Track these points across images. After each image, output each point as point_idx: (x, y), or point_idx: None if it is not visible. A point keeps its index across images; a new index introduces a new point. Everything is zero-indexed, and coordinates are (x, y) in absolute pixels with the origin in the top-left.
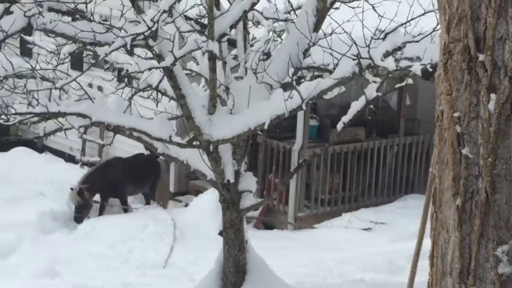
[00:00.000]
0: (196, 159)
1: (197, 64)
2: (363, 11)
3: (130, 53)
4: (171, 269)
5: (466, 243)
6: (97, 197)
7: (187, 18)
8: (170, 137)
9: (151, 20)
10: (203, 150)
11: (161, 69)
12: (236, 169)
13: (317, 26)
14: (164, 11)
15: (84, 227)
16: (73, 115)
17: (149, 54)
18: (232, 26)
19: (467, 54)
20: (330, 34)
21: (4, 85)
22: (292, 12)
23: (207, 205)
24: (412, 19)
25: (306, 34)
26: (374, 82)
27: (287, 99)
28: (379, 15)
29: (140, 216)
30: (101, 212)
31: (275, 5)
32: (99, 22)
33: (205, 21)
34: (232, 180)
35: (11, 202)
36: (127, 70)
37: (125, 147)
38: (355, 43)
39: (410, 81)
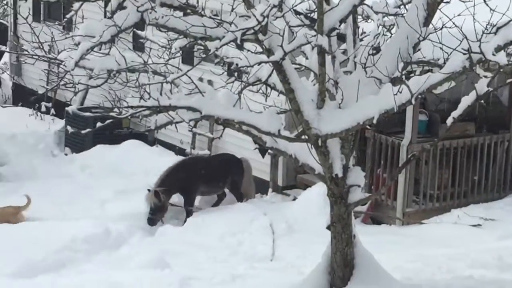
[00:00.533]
0: (305, 153)
1: (306, 58)
2: (474, 5)
3: (240, 47)
4: (279, 262)
5: None
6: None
7: (296, 13)
8: (279, 131)
9: (261, 14)
10: (311, 144)
11: (270, 63)
12: (344, 163)
13: (427, 20)
14: (274, 6)
15: (194, 220)
16: (183, 109)
17: (259, 49)
18: (342, 21)
19: None
20: (441, 28)
21: (117, 79)
22: (402, 6)
23: (315, 199)
24: None
25: (416, 29)
26: (485, 77)
27: (396, 94)
28: (490, 9)
29: (249, 210)
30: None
31: None
32: (210, 17)
33: (314, 15)
34: (340, 175)
35: (122, 194)
36: (237, 64)
37: (234, 141)
38: (466, 37)
39: None
